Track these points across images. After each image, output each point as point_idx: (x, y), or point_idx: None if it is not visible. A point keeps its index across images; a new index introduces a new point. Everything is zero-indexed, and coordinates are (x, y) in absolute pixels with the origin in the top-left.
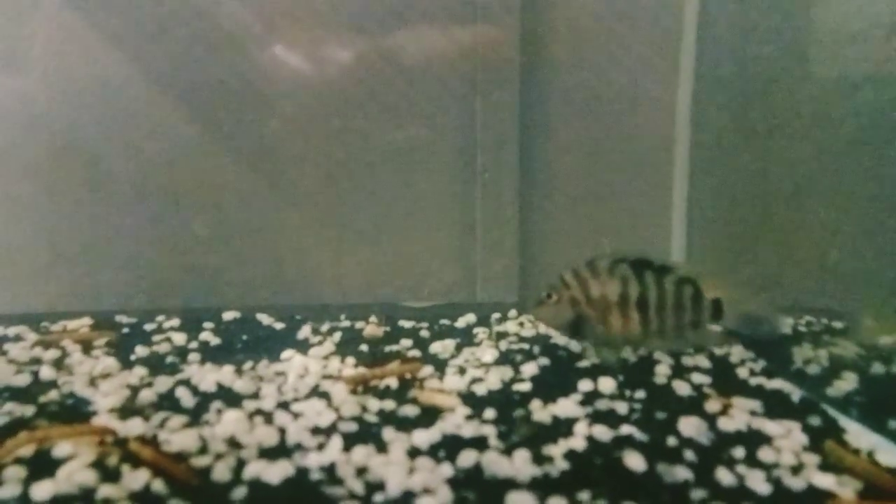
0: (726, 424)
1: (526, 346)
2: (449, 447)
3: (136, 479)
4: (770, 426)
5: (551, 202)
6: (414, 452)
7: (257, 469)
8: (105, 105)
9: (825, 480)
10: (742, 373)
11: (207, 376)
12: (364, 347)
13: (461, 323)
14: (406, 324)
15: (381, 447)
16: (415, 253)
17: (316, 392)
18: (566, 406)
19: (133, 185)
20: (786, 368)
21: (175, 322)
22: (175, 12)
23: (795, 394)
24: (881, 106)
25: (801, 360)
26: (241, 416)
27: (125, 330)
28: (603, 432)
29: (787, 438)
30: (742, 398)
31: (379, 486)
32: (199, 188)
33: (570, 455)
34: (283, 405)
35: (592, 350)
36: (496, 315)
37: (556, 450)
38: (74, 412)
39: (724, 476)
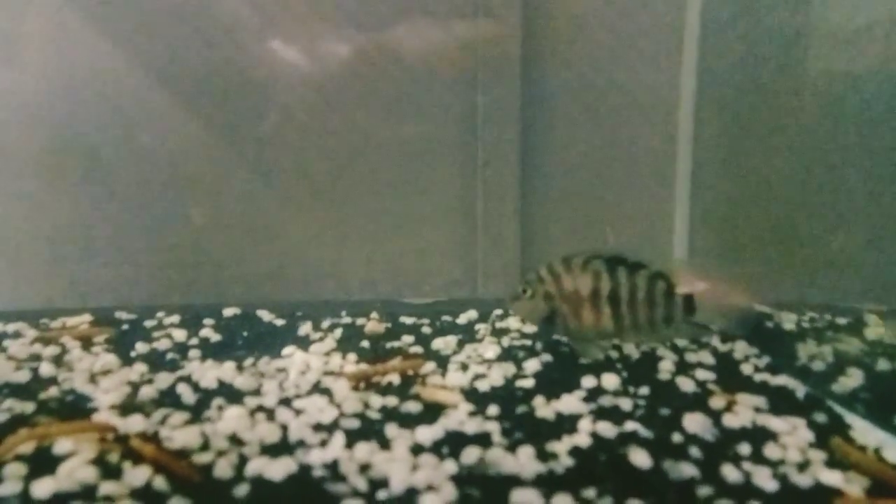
0: (731, 421)
1: (528, 342)
2: (452, 444)
3: (137, 475)
4: (775, 423)
5: (552, 198)
6: (417, 449)
7: (259, 466)
8: (105, 101)
9: (832, 477)
10: (746, 369)
11: (208, 373)
12: (365, 344)
13: (463, 319)
14: (407, 320)
15: (384, 444)
16: (416, 249)
17: (317, 388)
18: (570, 402)
19: (133, 181)
20: (790, 365)
21: (175, 318)
22: (176, 8)
23: (800, 390)
24: (885, 103)
25: (805, 357)
26: (243, 412)
27: (125, 326)
28: (607, 429)
29: (793, 435)
30: (747, 394)
31: (382, 483)
32: (200, 184)
33: (575, 452)
34: (285, 402)
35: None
36: (497, 311)
37: (561, 446)
38: (75, 409)
39: (730, 473)
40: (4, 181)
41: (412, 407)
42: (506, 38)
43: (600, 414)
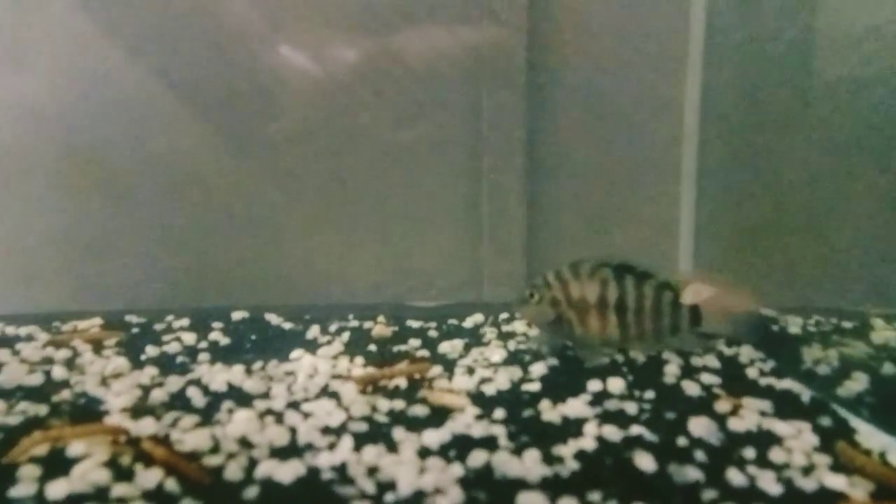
0: (736, 425)
1: (534, 345)
2: (459, 447)
3: (149, 478)
4: (780, 427)
5: (558, 202)
6: (424, 452)
7: (269, 468)
8: (116, 106)
9: (837, 481)
10: (752, 373)
11: (217, 376)
12: (373, 347)
13: (469, 323)
14: (414, 323)
15: (392, 447)
16: (422, 253)
17: (326, 392)
18: (575, 406)
19: (142, 185)
20: (795, 369)
21: (184, 322)
22: (187, 14)
23: (805, 394)
24: (891, 104)
25: (810, 361)
26: (252, 415)
27: (135, 330)
28: (613, 432)
29: (798, 439)
30: (752, 398)
31: (390, 486)
32: (208, 188)
33: (581, 455)
34: (294, 405)
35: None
36: (503, 315)
37: (566, 450)
38: (87, 411)
39: (734, 476)
40: (16, 185)
41: (419, 410)
42: (511, 43)
43: (606, 418)
